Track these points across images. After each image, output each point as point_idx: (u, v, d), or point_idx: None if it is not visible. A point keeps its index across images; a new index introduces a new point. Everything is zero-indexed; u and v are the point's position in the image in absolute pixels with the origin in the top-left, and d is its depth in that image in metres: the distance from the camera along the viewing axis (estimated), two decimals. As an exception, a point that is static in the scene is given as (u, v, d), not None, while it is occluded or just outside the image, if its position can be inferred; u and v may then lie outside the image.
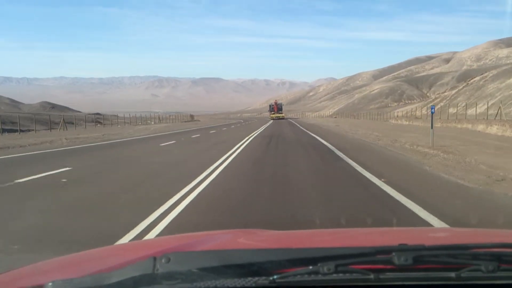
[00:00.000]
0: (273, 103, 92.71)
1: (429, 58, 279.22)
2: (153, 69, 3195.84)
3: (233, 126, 51.01)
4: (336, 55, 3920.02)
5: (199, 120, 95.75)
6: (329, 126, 41.92)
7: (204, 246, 1.64)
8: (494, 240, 1.70)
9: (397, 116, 67.20)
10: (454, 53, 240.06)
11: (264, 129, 39.99)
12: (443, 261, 1.14)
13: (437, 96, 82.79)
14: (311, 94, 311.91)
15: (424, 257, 1.12)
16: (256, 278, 1.07)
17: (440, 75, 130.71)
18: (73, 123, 47.22)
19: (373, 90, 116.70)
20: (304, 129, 35.79)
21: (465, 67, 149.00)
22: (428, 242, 1.22)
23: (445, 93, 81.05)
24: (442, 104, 73.15)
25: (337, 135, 27.05)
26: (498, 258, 1.14)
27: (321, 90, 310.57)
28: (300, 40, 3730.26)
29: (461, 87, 77.08)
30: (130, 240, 4.72)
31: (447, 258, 1.15)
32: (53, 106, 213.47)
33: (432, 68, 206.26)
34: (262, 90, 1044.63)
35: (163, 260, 1.08)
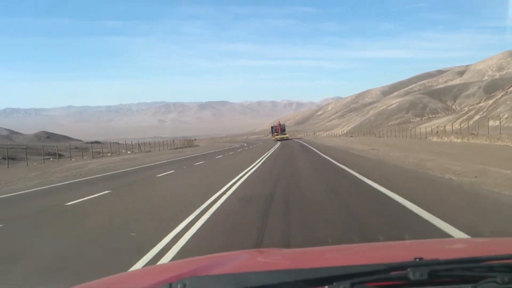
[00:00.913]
0: (276, 124, 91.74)
1: (440, 72, 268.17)
2: (160, 95, 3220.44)
3: (231, 153, 40.57)
4: (341, 74, 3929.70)
5: (199, 145, 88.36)
6: (363, 151, 28.81)
7: (219, 269, 1.61)
8: (508, 250, 1.65)
9: (435, 132, 55.11)
10: (467, 66, 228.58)
11: (268, 156, 28.37)
12: (459, 274, 1.13)
13: (470, 107, 70.76)
14: (319, 113, 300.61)
15: (439, 272, 1.11)
16: None
17: (464, 86, 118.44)
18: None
19: (391, 105, 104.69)
20: (329, 159, 23.52)
21: (486, 77, 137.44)
22: (441, 256, 1.20)
23: (480, 104, 69.56)
24: (478, 116, 61.46)
25: (412, 175, 13.06)
26: None
27: (329, 108, 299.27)
28: (306, 61, 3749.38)
29: (499, 96, 65.42)
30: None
31: (462, 272, 1.13)
32: (49, 136, 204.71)
33: (446, 81, 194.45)
34: (269, 111, 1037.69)
35: (178, 286, 1.07)
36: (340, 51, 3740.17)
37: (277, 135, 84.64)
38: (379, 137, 68.43)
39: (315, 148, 37.05)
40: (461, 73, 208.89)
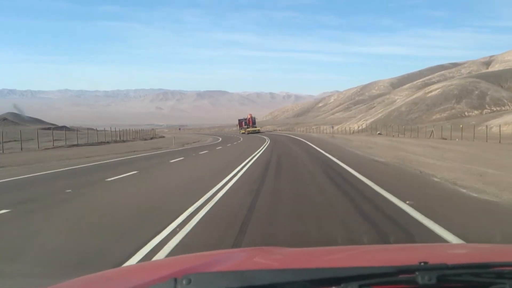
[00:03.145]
0: (247, 117, 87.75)
1: (455, 65, 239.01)
2: (158, 82, 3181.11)
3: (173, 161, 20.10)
4: (340, 68, 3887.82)
5: (164, 137, 74.05)
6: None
7: (222, 265, 1.60)
8: None
9: None
10: (491, 56, 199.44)
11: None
12: (467, 280, 1.11)
13: None
14: (320, 105, 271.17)
15: (448, 276, 1.09)
16: None
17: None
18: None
19: (430, 93, 75.43)
20: None
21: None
22: (449, 260, 1.18)
23: None
24: None
25: None
26: None
27: (331, 100, 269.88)
28: (305, 54, 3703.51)
29: None
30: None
31: (471, 277, 1.11)
32: (5, 119, 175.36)
33: (470, 72, 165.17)
34: (268, 103, 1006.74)
35: (184, 282, 1.05)
36: (339, 45, 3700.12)
37: (247, 127, 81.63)
38: (442, 139, 39.89)
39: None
40: (486, 63, 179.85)
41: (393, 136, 54.10)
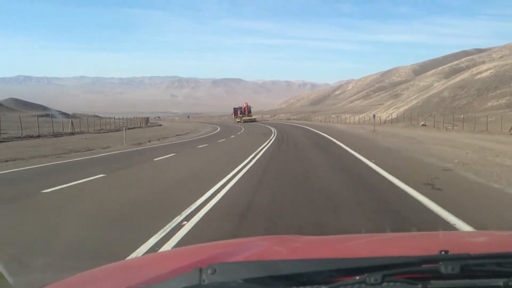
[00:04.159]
0: (243, 106, 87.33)
1: (479, 51, 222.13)
2: (174, 70, 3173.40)
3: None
4: (355, 56, 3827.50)
5: (161, 125, 72.04)
6: None
7: (243, 255, 1.58)
8: None
9: None
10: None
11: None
12: (490, 270, 1.10)
13: None
14: (337, 92, 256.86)
15: (471, 266, 1.09)
16: None
17: None
18: None
19: (478, 74, 61.54)
20: None
21: None
22: (470, 249, 1.18)
23: None
24: None
25: None
26: None
27: (349, 88, 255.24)
28: (321, 42, 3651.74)
29: None
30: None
31: (494, 267, 1.11)
32: (17, 104, 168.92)
33: (502, 57, 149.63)
34: (283, 91, 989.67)
35: (209, 271, 1.05)
36: (355, 33, 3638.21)
37: (243, 116, 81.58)
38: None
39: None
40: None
41: (446, 128, 41.49)
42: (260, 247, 1.76)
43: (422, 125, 44.91)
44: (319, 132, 35.40)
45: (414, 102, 65.73)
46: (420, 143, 21.35)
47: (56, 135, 33.74)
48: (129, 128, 46.99)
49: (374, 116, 31.94)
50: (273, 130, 41.77)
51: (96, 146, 23.24)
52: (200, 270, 1.05)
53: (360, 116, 76.32)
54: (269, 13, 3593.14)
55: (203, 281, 1.03)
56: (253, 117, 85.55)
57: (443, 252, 1.18)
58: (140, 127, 58.99)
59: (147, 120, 74.45)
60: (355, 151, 17.30)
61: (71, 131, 38.16)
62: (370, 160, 13.57)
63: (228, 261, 1.27)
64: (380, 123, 58.38)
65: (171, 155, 17.65)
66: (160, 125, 75.42)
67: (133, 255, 4.28)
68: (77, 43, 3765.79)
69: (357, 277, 1.05)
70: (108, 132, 43.31)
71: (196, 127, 62.00)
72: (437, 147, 18.88)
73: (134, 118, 71.24)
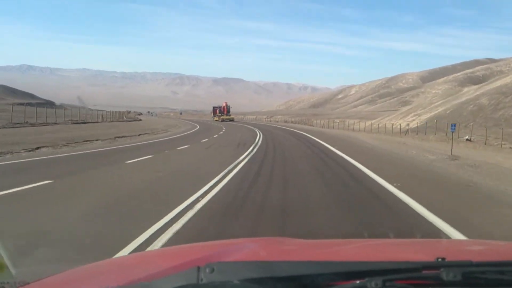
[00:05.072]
0: (222, 105, 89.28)
1: (492, 60, 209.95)
2: (175, 66, 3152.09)
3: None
4: (357, 62, 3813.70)
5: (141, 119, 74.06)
6: None
7: (241, 254, 1.55)
8: None
9: None
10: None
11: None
12: (492, 278, 1.08)
13: None
14: (340, 96, 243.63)
15: (473, 274, 1.06)
16: None
17: None
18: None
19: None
20: None
21: None
22: (468, 257, 1.14)
23: None
24: None
25: None
26: None
27: (352, 92, 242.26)
28: (324, 46, 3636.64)
29: None
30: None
31: (496, 275, 1.08)
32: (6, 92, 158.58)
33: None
34: (283, 93, 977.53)
35: (207, 270, 1.03)
36: (358, 39, 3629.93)
37: (221, 115, 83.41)
38: None
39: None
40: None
41: (502, 145, 28.39)
42: (257, 248, 1.72)
43: (467, 139, 31.85)
44: (327, 146, 22.37)
45: (440, 109, 52.45)
46: None
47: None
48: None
49: (453, 127, 15.70)
50: (257, 140, 28.47)
51: None
52: (198, 268, 1.02)
53: (371, 122, 63.14)
54: (273, 14, 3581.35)
55: (201, 280, 1.00)
56: (231, 116, 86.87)
57: (440, 259, 1.13)
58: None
59: (127, 114, 77.92)
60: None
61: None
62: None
63: (226, 261, 1.23)
64: (400, 133, 45.25)
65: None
66: (140, 120, 74.22)
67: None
68: (81, 35, 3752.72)
69: (357, 281, 1.01)
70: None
71: (176, 124, 56.16)
72: None
73: (117, 112, 74.17)
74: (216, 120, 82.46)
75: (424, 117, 51.85)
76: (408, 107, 75.61)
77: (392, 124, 54.25)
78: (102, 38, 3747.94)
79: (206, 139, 26.92)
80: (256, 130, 43.62)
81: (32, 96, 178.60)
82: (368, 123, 62.97)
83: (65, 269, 1.46)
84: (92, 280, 1.37)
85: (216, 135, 32.67)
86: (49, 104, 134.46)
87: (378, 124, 57.94)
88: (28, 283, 1.22)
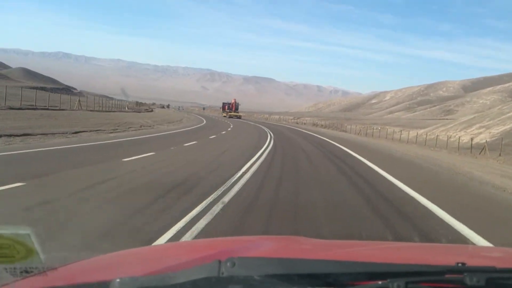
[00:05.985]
0: (232, 102, 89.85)
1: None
2: (207, 62, 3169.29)
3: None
4: (390, 69, 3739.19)
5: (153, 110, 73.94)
6: None
7: (261, 250, 1.58)
8: None
9: None
10: None
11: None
12: None
13: None
14: (373, 101, 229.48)
15: (496, 280, 1.04)
16: None
17: None
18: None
19: None
20: None
21: None
22: (495, 263, 1.13)
23: None
24: None
25: None
26: None
27: (387, 98, 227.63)
28: (356, 50, 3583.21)
29: None
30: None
31: None
32: (29, 76, 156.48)
33: None
34: (314, 95, 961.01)
35: (228, 264, 1.03)
36: (392, 45, 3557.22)
37: (230, 111, 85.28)
38: None
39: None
40: None
41: None
42: (276, 245, 1.74)
43: None
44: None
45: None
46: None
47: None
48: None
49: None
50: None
51: None
52: (219, 262, 1.02)
53: (416, 132, 51.00)
54: (307, 16, 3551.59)
55: (222, 273, 1.00)
56: (239, 113, 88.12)
57: (460, 264, 1.12)
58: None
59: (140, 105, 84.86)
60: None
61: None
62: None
63: (247, 256, 1.23)
64: (471, 150, 33.38)
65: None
66: (152, 110, 76.19)
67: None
68: (115, 27, 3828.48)
69: (380, 282, 1.00)
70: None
71: (188, 118, 55.27)
72: None
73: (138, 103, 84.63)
74: (224, 116, 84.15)
75: (496, 130, 39.73)
76: (468, 117, 62.68)
77: (448, 137, 42.21)
78: (137, 30, 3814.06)
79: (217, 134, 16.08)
80: (269, 137, 32.45)
81: (52, 80, 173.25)
82: (413, 132, 50.91)
83: (91, 256, 1.52)
84: (116, 268, 1.40)
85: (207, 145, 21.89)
86: (66, 90, 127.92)
87: (427, 134, 45.86)
88: (55, 268, 1.27)
